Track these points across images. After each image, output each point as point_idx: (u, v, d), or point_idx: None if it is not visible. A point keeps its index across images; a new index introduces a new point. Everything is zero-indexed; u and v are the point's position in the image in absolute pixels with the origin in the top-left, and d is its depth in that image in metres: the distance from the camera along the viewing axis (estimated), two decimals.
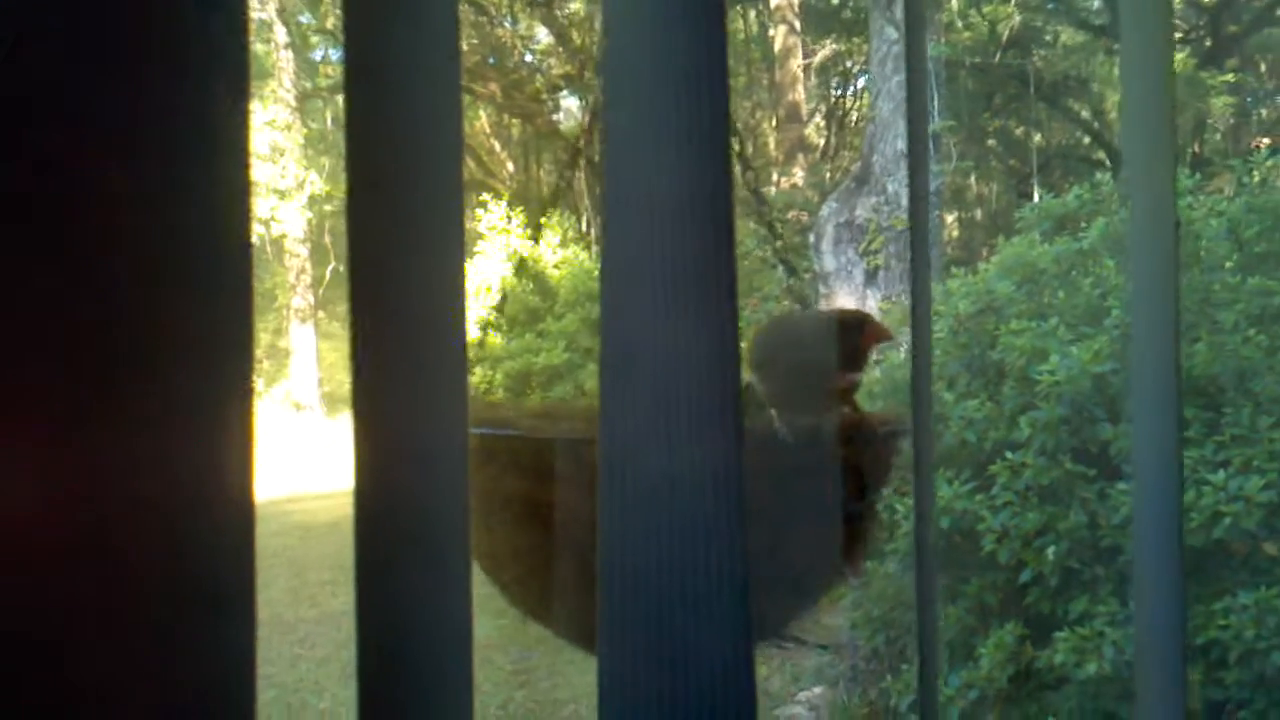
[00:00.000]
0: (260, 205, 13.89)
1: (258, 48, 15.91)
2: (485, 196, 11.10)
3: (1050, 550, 3.23)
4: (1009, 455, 3.40)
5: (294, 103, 14.21)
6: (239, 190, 0.44)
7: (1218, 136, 11.91)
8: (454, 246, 0.53)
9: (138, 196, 0.39)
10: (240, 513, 0.41)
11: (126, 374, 0.38)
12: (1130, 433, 0.72)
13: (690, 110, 0.54)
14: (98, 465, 0.37)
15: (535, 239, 10.52)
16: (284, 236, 14.58)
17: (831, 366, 0.92)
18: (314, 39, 14.96)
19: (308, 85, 14.63)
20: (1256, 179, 3.95)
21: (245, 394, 0.42)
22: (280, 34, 14.25)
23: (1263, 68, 12.25)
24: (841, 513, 0.83)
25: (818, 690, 4.67)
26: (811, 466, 0.82)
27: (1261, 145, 4.57)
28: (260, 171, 13.74)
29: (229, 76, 0.43)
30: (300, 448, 11.07)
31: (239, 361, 0.42)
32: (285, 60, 14.31)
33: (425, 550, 0.52)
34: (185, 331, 0.40)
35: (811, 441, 0.90)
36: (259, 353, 16.99)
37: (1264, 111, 12.61)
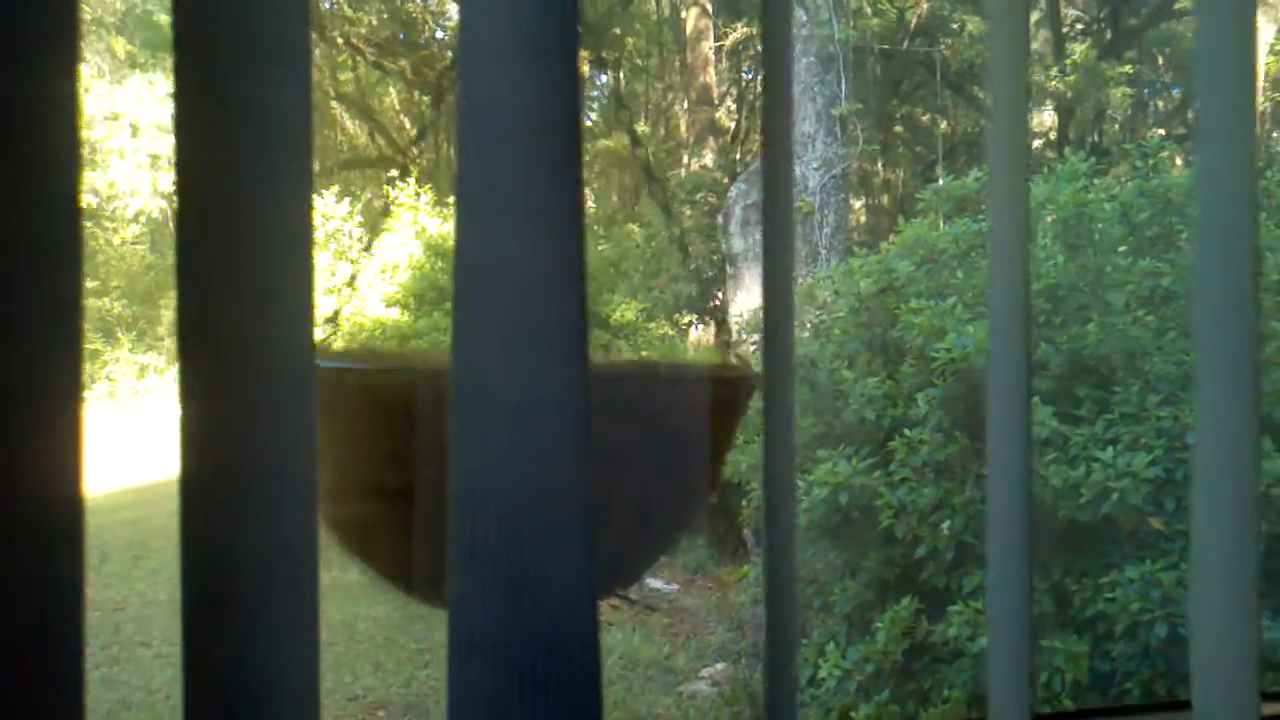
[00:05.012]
0: None
1: None
2: (394, 173, 10.96)
3: (945, 525, 3.29)
4: (907, 432, 3.46)
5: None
6: (68, 168, 0.43)
7: (1116, 126, 12.20)
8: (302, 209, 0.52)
9: None
10: (70, 459, 0.43)
11: None
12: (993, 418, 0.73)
13: (539, 19, 0.53)
14: None
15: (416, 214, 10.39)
16: None
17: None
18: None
19: None
20: (1149, 165, 4.05)
21: (77, 342, 0.42)
22: None
23: (1160, 60, 12.56)
24: (691, 462, 0.82)
25: (720, 667, 4.71)
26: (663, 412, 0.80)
27: (1155, 135, 4.70)
28: None
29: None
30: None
31: (69, 327, 0.42)
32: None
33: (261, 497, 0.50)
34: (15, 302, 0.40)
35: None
36: None
37: (1160, 103, 12.94)
